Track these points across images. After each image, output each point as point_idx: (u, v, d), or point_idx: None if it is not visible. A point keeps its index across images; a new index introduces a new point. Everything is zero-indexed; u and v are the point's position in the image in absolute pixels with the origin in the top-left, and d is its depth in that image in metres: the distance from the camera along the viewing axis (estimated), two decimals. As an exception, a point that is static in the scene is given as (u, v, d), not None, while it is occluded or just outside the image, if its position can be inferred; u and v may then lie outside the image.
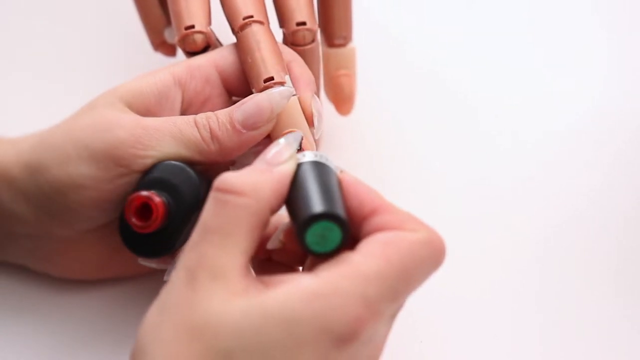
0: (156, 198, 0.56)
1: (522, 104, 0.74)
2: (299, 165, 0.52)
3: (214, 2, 0.64)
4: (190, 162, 0.58)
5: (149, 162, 0.57)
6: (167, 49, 0.70)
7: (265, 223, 0.50)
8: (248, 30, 0.61)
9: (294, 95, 0.59)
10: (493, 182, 0.70)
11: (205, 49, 0.63)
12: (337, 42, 0.67)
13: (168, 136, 0.58)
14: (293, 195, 0.51)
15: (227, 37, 0.63)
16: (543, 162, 0.71)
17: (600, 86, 0.76)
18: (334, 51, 0.67)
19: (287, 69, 0.60)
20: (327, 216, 0.49)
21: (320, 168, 0.52)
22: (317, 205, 0.49)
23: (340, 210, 0.50)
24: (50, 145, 0.58)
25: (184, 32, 0.62)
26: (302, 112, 0.59)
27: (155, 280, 0.63)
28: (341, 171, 0.53)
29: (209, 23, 0.63)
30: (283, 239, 0.54)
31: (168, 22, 0.69)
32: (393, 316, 0.51)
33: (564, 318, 0.63)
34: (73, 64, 0.78)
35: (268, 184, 0.50)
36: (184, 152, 0.58)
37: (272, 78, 0.59)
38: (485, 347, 0.62)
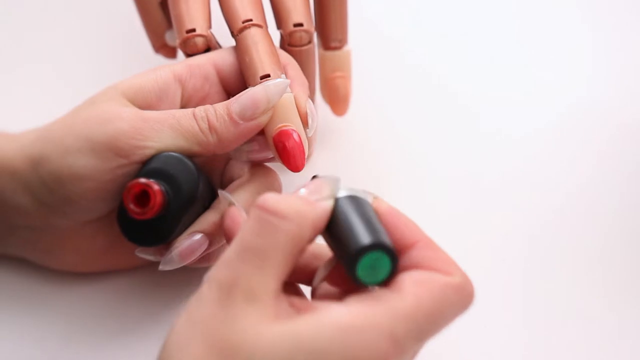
0: (155, 186, 0.56)
1: (509, 100, 0.75)
2: (336, 201, 0.51)
3: (214, 5, 0.65)
4: (189, 154, 0.59)
5: (148, 152, 0.58)
6: (168, 52, 0.71)
7: (303, 251, 0.50)
8: (247, 32, 0.62)
9: (289, 93, 0.60)
10: (485, 177, 0.70)
11: (206, 51, 0.63)
12: (332, 45, 0.67)
13: (167, 128, 0.58)
14: (336, 230, 0.51)
15: (226, 40, 0.64)
16: (531, 157, 0.71)
17: (586, 82, 0.76)
18: (329, 54, 0.67)
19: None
20: (377, 246, 0.49)
21: (358, 201, 0.51)
22: (365, 237, 0.49)
23: (387, 240, 0.49)
24: (52, 138, 0.59)
25: (185, 35, 0.63)
26: (296, 109, 0.60)
27: (153, 273, 0.63)
28: (375, 197, 0.53)
29: (210, 26, 0.63)
30: (327, 276, 0.53)
31: (169, 25, 0.69)
32: (415, 354, 0.51)
33: (553, 311, 0.63)
34: (75, 64, 0.78)
35: (311, 214, 0.50)
36: (182, 143, 0.58)
37: (268, 75, 0.60)
38: (477, 339, 0.62)
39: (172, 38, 0.69)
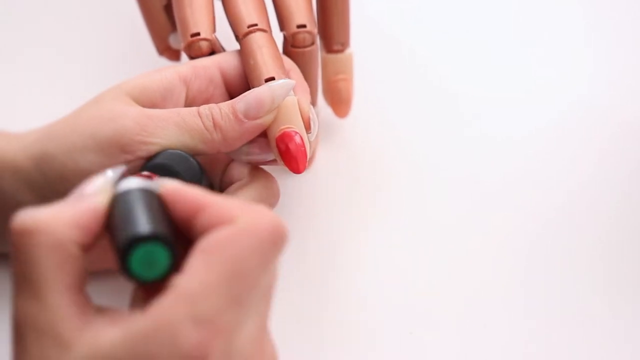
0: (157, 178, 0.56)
1: (510, 100, 0.75)
2: (116, 197, 0.47)
3: (218, 9, 0.65)
4: (193, 152, 0.59)
5: (153, 149, 0.58)
6: (172, 54, 0.71)
7: (75, 256, 0.45)
8: (252, 36, 0.63)
9: (292, 96, 0.60)
10: (486, 177, 0.70)
11: (210, 55, 0.63)
12: (335, 48, 0.68)
13: (172, 125, 0.58)
14: (109, 228, 0.47)
15: (230, 43, 0.65)
16: (532, 157, 0.71)
17: (587, 81, 0.76)
18: (332, 57, 0.68)
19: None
20: (144, 238, 0.44)
21: (138, 194, 0.47)
22: (132, 227, 0.45)
23: (155, 227, 0.45)
24: (56, 136, 0.59)
25: (190, 39, 0.63)
26: (299, 112, 0.60)
27: None
28: (166, 183, 0.49)
29: (214, 30, 0.64)
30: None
31: (173, 28, 0.69)
32: (256, 315, 0.47)
33: (554, 311, 0.63)
34: (79, 65, 0.78)
35: (65, 215, 0.45)
36: (187, 140, 0.58)
37: (272, 78, 0.61)
38: (475, 338, 0.62)
39: (176, 41, 0.70)
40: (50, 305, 0.44)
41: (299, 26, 0.64)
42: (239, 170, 0.62)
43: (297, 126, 0.60)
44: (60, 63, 0.78)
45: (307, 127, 0.61)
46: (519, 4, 0.82)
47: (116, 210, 0.46)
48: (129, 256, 0.44)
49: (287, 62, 0.64)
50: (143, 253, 0.44)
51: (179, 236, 0.47)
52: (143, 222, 0.45)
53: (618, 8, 0.81)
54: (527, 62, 0.78)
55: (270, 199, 0.61)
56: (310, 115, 0.61)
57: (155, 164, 0.58)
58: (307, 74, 0.65)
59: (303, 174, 0.61)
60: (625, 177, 0.70)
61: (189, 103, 0.62)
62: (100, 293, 0.62)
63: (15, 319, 0.44)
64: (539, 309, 0.64)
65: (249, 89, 0.62)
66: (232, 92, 0.63)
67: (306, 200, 0.69)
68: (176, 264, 0.45)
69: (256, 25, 0.63)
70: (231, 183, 0.62)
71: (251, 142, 0.61)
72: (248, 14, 0.63)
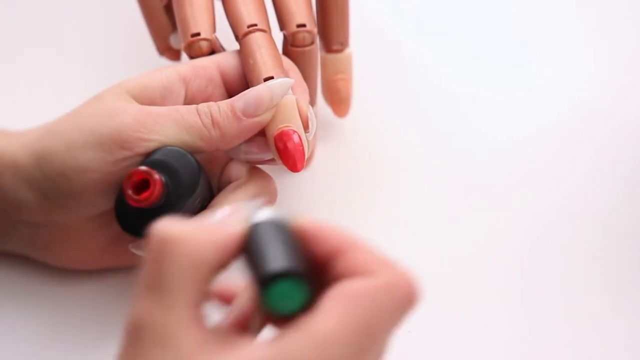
0: (155, 175, 0.57)
1: (510, 100, 0.75)
2: (253, 227, 0.46)
3: (219, 9, 0.65)
4: (192, 150, 0.59)
5: (152, 145, 0.58)
6: (172, 54, 0.71)
7: (210, 276, 0.45)
8: (251, 36, 0.63)
9: (291, 95, 0.60)
10: (486, 177, 0.70)
11: (210, 55, 0.64)
12: (334, 47, 0.68)
13: (171, 122, 0.58)
14: (247, 259, 0.46)
15: (230, 44, 0.65)
16: (532, 157, 0.71)
17: (587, 81, 0.76)
18: (331, 56, 0.68)
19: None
20: (284, 274, 0.44)
21: (275, 226, 0.46)
22: (271, 262, 0.44)
23: (297, 264, 0.45)
24: (57, 133, 0.59)
25: (190, 39, 0.63)
26: (297, 111, 0.61)
27: None
28: (303, 216, 0.47)
29: (214, 30, 0.64)
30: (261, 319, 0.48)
31: (173, 28, 0.70)
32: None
33: (554, 311, 0.63)
34: (79, 65, 0.78)
35: (211, 236, 0.45)
36: (186, 137, 0.59)
37: (272, 77, 0.61)
38: (474, 337, 0.62)
39: (176, 41, 0.70)
40: (177, 317, 0.44)
41: (299, 25, 0.64)
42: (237, 169, 0.62)
43: (296, 125, 0.60)
44: (60, 63, 0.79)
45: (306, 127, 0.61)
46: (519, 4, 0.82)
47: (255, 241, 0.46)
48: (268, 290, 0.44)
49: (287, 62, 0.64)
50: (281, 288, 0.44)
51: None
52: (284, 258, 0.45)
53: (618, 8, 0.81)
54: (527, 61, 0.78)
55: (268, 198, 0.61)
56: (309, 115, 0.61)
57: (154, 160, 0.58)
58: (307, 74, 0.65)
59: (301, 173, 0.61)
60: (625, 176, 0.70)
61: (188, 102, 0.62)
62: (100, 292, 0.64)
63: (134, 319, 0.44)
64: (539, 308, 0.64)
65: (248, 88, 0.62)
66: (231, 92, 0.63)
67: (304, 199, 0.69)
68: (309, 303, 0.45)
69: (256, 25, 0.63)
70: (229, 182, 0.62)
71: (249, 140, 0.61)
72: (248, 14, 0.64)
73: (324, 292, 0.45)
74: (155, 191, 0.56)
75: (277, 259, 0.44)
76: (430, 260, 0.65)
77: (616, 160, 0.71)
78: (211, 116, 0.59)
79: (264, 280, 0.44)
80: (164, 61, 0.72)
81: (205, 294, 0.45)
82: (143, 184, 0.57)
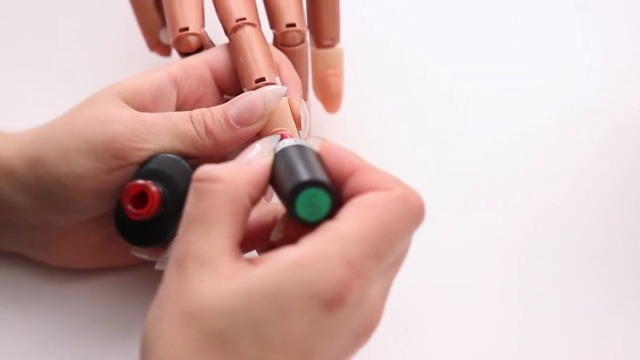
0: (152, 187, 0.57)
1: (505, 99, 0.75)
2: (276, 154, 0.53)
3: (207, 3, 0.65)
4: (185, 156, 0.59)
5: (145, 154, 0.58)
6: (163, 50, 0.71)
7: (246, 210, 0.51)
8: (241, 32, 0.63)
9: (284, 96, 0.60)
10: (481, 175, 0.70)
11: (199, 50, 0.64)
12: (325, 43, 0.68)
13: (164, 130, 0.59)
14: (276, 179, 0.52)
15: (219, 37, 0.65)
16: (528, 156, 0.72)
17: (582, 80, 0.76)
18: (322, 52, 0.68)
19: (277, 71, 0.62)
20: (311, 183, 0.50)
21: (298, 149, 0.53)
22: (299, 175, 0.50)
23: (321, 175, 0.50)
24: (50, 138, 0.59)
25: (179, 34, 0.63)
26: (291, 113, 0.61)
27: (148, 270, 0.63)
28: (323, 140, 0.54)
29: (203, 25, 0.64)
30: (284, 229, 0.54)
31: (163, 24, 0.70)
32: (385, 276, 0.51)
33: (552, 309, 0.64)
34: (71, 62, 0.78)
35: (244, 172, 0.51)
36: (179, 145, 0.59)
37: (263, 79, 0.61)
38: (471, 334, 0.63)
39: (166, 36, 0.70)
40: (218, 244, 0.49)
41: (289, 25, 0.64)
42: None
43: (290, 128, 0.60)
44: (53, 60, 0.79)
45: (298, 126, 0.61)
46: (511, 4, 0.82)
47: (280, 166, 0.52)
48: (295, 201, 0.50)
49: (278, 55, 0.64)
50: (306, 197, 0.50)
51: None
52: (305, 171, 0.51)
53: (615, 8, 0.81)
54: (523, 59, 0.78)
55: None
56: (301, 113, 0.61)
57: (149, 170, 0.58)
58: (297, 72, 0.64)
59: None
60: (623, 175, 0.70)
61: (180, 103, 0.62)
62: (100, 292, 0.65)
63: (179, 252, 0.50)
64: (536, 306, 0.64)
65: (239, 84, 0.62)
66: (223, 89, 0.63)
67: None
68: (332, 212, 0.50)
69: (245, 19, 0.63)
70: None
71: (245, 144, 0.60)
72: (237, 7, 0.63)
73: (343, 205, 0.50)
74: (154, 204, 0.57)
75: (302, 172, 0.51)
76: (427, 257, 0.65)
77: (614, 160, 0.71)
78: (205, 124, 0.59)
79: (292, 191, 0.50)
80: (157, 58, 0.72)
81: (244, 226, 0.51)
82: (141, 196, 0.57)
